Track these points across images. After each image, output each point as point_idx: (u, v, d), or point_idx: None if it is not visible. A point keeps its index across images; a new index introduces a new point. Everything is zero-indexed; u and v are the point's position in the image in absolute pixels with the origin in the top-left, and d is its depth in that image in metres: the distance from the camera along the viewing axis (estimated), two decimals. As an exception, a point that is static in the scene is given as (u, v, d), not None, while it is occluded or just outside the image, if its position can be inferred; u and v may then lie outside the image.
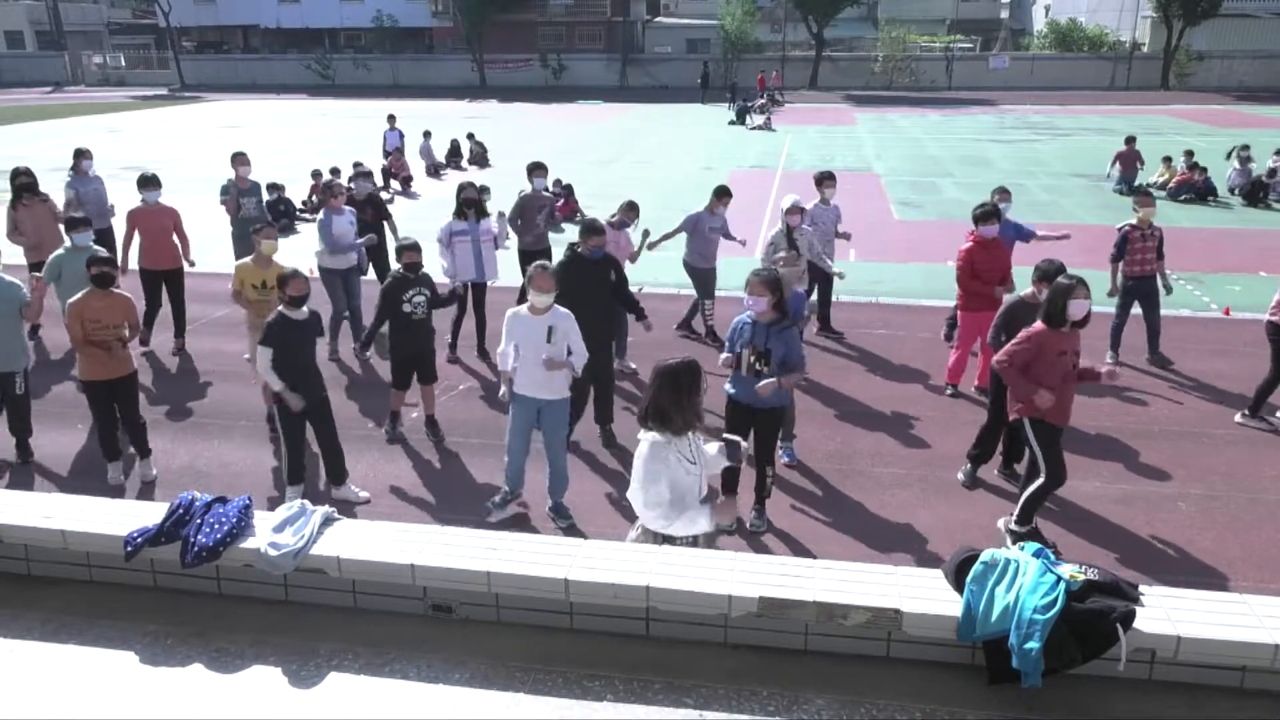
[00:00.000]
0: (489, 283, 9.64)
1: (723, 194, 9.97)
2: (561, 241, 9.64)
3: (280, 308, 6.44)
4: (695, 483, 4.10)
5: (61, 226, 9.00)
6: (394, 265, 7.96)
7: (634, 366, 9.33)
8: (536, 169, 10.44)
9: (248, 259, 8.07)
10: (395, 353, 7.71)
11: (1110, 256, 9.28)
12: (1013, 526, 6.14)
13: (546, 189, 11.82)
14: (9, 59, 62.30)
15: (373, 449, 7.74)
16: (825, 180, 10.10)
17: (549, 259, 10.17)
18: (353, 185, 11.29)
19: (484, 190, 16.33)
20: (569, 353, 6.28)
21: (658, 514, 4.01)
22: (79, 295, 6.85)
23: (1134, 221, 9.12)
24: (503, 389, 6.42)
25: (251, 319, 8.01)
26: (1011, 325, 6.25)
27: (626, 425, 8.19)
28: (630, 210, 9.41)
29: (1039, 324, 5.79)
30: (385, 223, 10.80)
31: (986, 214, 8.21)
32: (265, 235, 7.93)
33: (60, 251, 8.29)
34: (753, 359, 5.99)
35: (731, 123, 34.94)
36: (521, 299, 6.58)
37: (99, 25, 66.56)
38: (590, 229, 7.75)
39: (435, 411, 7.93)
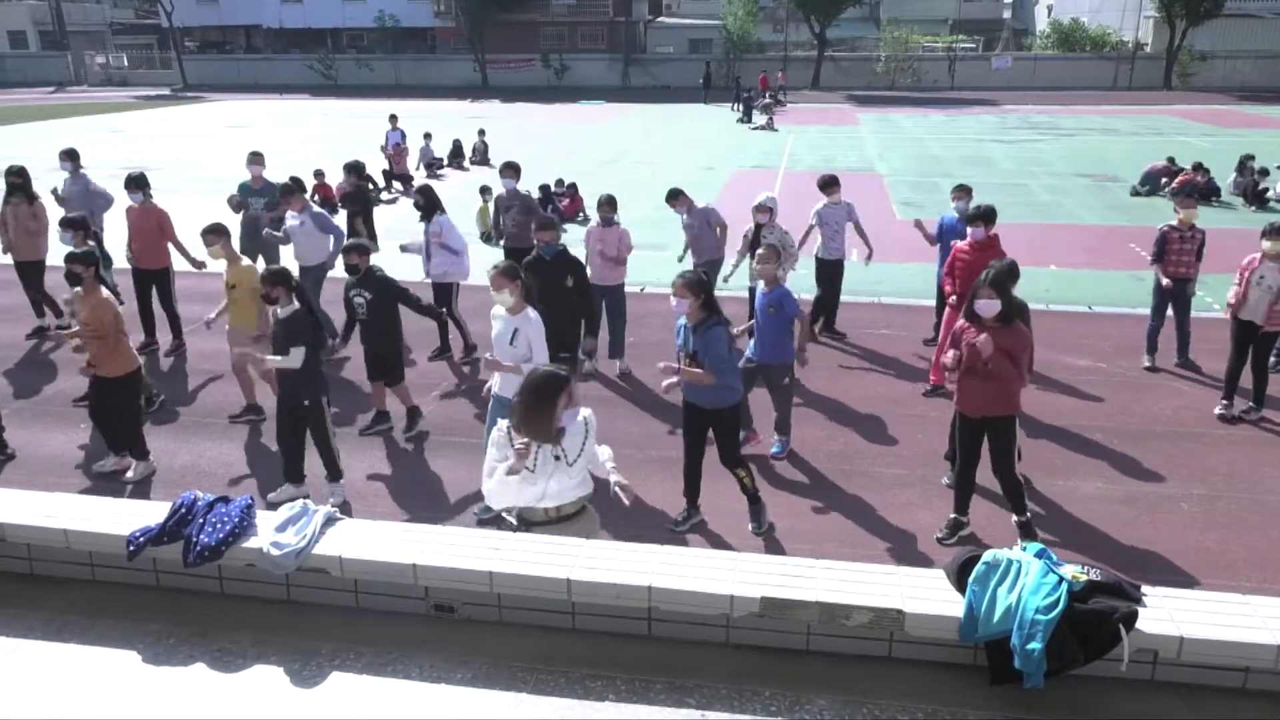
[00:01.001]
0: (457, 282, 9.61)
1: (667, 198, 10.04)
2: (565, 242, 9.64)
3: None
4: (531, 493, 4.24)
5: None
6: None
7: (628, 368, 9.35)
8: (503, 169, 10.62)
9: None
10: (363, 345, 7.90)
11: (1151, 257, 9.24)
12: (1015, 519, 6.22)
13: (550, 190, 11.77)
14: (12, 59, 62.37)
15: (374, 449, 7.75)
16: (829, 185, 10.14)
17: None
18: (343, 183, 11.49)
19: (485, 190, 16.36)
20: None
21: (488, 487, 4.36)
22: (75, 290, 7.04)
23: (1174, 222, 9.09)
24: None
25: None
26: None
27: (619, 425, 8.19)
28: (607, 205, 9.38)
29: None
30: (362, 220, 10.93)
31: (970, 217, 8.29)
32: (206, 242, 7.98)
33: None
34: (687, 362, 6.09)
35: (740, 120, 34.90)
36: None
37: (102, 25, 66.61)
38: (540, 225, 7.75)
39: (415, 403, 8.01)
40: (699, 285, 5.96)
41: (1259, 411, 8.13)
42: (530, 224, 10.24)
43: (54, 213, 10.43)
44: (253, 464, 7.49)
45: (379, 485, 7.14)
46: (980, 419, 6.01)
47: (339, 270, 8.15)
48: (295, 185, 10.00)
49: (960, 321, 6.10)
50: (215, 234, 8.00)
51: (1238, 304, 8.00)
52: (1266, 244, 7.84)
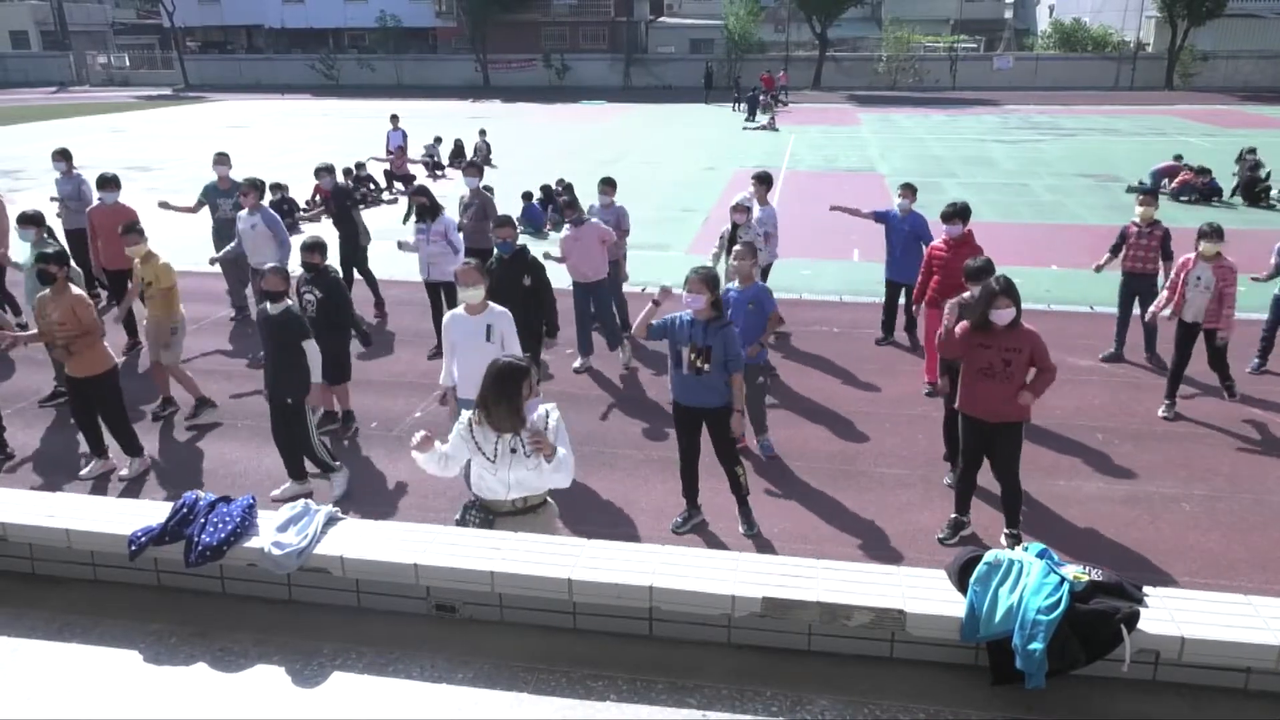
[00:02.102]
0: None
1: (601, 181, 10.20)
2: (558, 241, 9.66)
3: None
4: (494, 483, 4.28)
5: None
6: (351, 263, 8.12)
7: (635, 364, 9.34)
8: (466, 168, 10.76)
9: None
10: None
11: (1110, 248, 9.52)
12: (1006, 530, 6.19)
13: (550, 190, 11.67)
14: (14, 59, 62.42)
15: (376, 448, 7.75)
16: (758, 182, 10.08)
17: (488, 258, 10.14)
18: (321, 182, 11.51)
19: (488, 190, 16.38)
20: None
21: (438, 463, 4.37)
22: (41, 292, 7.00)
23: (1135, 218, 9.24)
24: (437, 403, 6.34)
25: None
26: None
27: (618, 425, 8.19)
28: (568, 208, 9.48)
29: (966, 323, 5.90)
30: (351, 216, 11.00)
31: (947, 214, 8.30)
32: (126, 241, 8.03)
33: (26, 260, 8.63)
34: (693, 356, 6.03)
35: (747, 119, 34.71)
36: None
37: (103, 25, 66.66)
38: (497, 222, 7.78)
39: (350, 407, 8.06)
40: (714, 281, 5.97)
41: (1235, 396, 8.28)
42: (486, 224, 10.34)
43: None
44: (254, 463, 7.49)
45: (379, 485, 7.14)
46: (994, 423, 5.91)
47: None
48: (256, 184, 10.12)
49: (963, 326, 5.98)
50: (138, 233, 8.05)
51: (1178, 306, 8.10)
52: (1204, 245, 7.91)
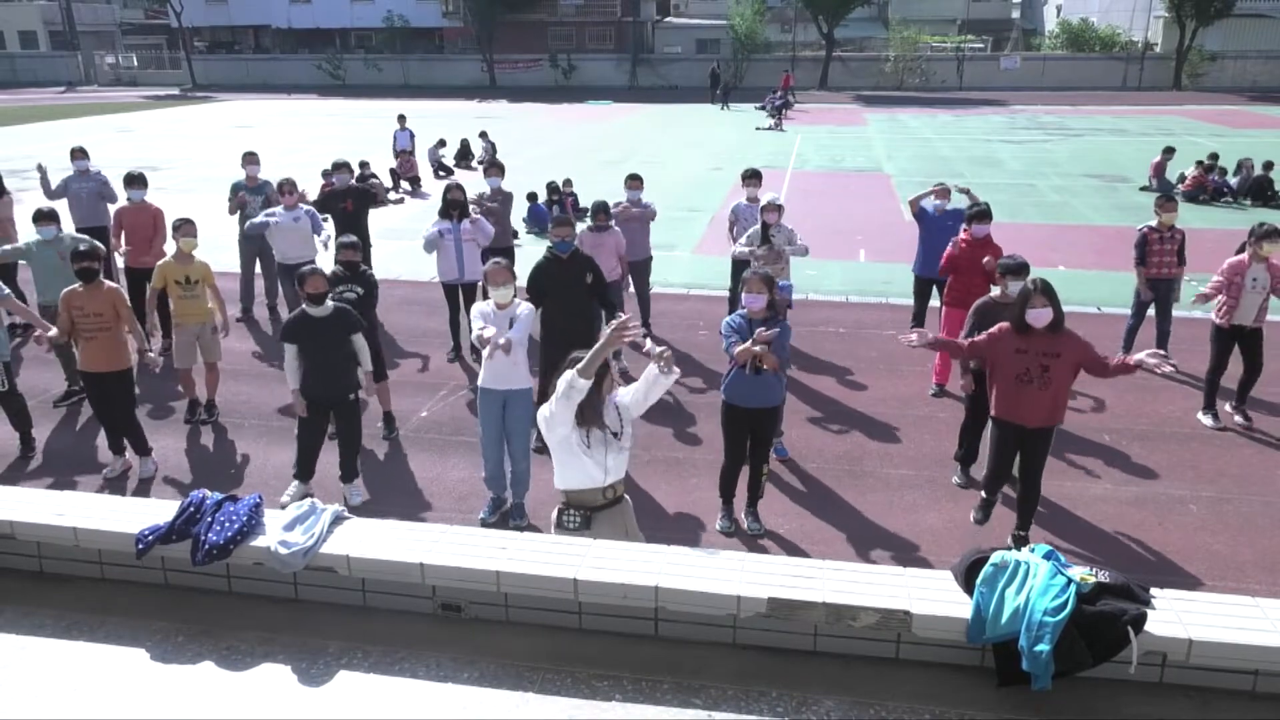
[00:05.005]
0: (479, 283, 9.57)
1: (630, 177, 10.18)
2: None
3: (303, 304, 6.56)
4: (593, 468, 4.44)
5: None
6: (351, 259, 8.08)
7: (625, 365, 9.33)
8: (488, 169, 10.65)
9: (170, 257, 8.17)
10: None
11: (1134, 260, 9.20)
12: (1017, 531, 6.16)
13: (558, 187, 11.60)
14: (23, 59, 62.66)
15: (382, 447, 7.76)
16: (749, 178, 10.05)
17: (510, 257, 10.07)
18: (334, 179, 11.35)
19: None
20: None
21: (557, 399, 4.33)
22: (71, 287, 7.01)
23: (1154, 224, 9.10)
24: (489, 338, 6.17)
25: (173, 316, 8.23)
26: (982, 326, 6.27)
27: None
28: (601, 213, 9.35)
29: (1006, 323, 5.85)
30: (365, 221, 10.98)
31: (980, 214, 8.24)
32: (184, 232, 8.08)
33: (28, 242, 8.61)
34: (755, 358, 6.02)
35: (768, 117, 34.49)
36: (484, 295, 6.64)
37: (111, 25, 66.86)
38: (557, 221, 7.78)
39: (391, 407, 8.02)
40: (772, 282, 6.03)
41: (1243, 409, 8.10)
42: (509, 224, 10.34)
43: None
44: (261, 462, 7.51)
45: (387, 484, 7.16)
46: (1031, 428, 5.85)
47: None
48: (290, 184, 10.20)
49: (1001, 326, 5.88)
50: (193, 226, 8.16)
51: (1231, 311, 7.81)
52: (1266, 246, 7.60)
